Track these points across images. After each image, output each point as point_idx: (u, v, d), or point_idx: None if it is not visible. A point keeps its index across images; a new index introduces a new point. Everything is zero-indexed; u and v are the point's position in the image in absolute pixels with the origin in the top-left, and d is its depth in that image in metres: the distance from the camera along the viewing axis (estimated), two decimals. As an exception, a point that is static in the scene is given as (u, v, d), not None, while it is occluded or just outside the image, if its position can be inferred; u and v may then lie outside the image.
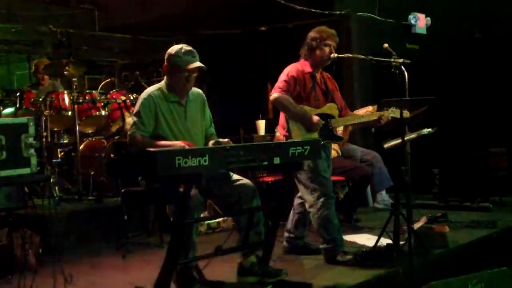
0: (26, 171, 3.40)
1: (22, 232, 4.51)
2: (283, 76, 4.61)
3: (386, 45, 4.47)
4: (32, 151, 3.40)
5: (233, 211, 4.13)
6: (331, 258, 4.56)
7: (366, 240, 5.21)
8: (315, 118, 4.52)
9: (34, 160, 3.42)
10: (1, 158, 3.25)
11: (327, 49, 4.63)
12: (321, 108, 4.63)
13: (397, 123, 4.47)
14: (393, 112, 4.70)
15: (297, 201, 4.89)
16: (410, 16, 7.88)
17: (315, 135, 4.50)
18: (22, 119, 3.50)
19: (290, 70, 4.64)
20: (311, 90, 4.63)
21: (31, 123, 3.45)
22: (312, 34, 4.70)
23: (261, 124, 7.26)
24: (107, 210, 5.94)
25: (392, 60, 4.33)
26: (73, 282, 4.11)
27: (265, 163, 3.60)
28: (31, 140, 3.41)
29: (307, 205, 4.65)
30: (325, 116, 4.60)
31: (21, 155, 3.37)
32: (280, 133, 4.67)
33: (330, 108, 4.67)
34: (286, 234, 4.96)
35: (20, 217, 4.63)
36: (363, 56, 4.77)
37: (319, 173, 4.54)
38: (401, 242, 4.60)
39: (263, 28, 8.29)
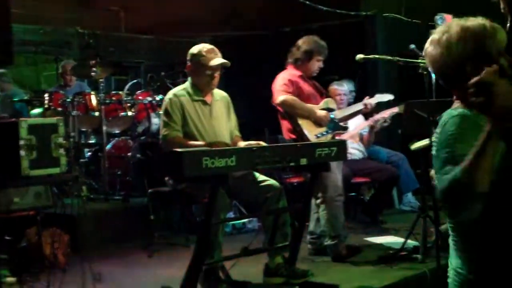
0: (55, 170, 3.43)
1: (51, 231, 4.57)
2: (280, 81, 4.73)
3: (412, 46, 4.46)
4: (61, 151, 3.44)
5: (259, 212, 4.13)
6: (336, 254, 4.63)
7: (392, 242, 5.18)
8: (322, 112, 4.72)
9: (63, 160, 3.46)
10: (31, 158, 3.28)
11: (317, 64, 4.82)
12: (320, 104, 4.80)
13: (424, 123, 4.43)
14: (377, 99, 5.12)
15: (315, 201, 4.89)
16: (437, 17, 7.79)
17: (324, 129, 4.69)
18: (52, 120, 3.55)
19: (284, 76, 4.78)
20: (307, 90, 4.77)
21: (61, 124, 3.48)
22: (308, 46, 4.82)
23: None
24: (133, 210, 5.99)
25: (419, 61, 4.31)
26: (101, 280, 4.15)
27: (292, 164, 3.61)
28: (60, 140, 3.44)
29: (318, 201, 4.69)
30: (326, 110, 4.78)
31: (50, 155, 3.40)
32: (286, 137, 4.74)
33: (328, 103, 4.87)
34: (308, 237, 4.94)
35: (49, 216, 4.68)
36: (389, 57, 4.74)
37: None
38: (428, 245, 4.57)
39: (287, 29, 8.27)
